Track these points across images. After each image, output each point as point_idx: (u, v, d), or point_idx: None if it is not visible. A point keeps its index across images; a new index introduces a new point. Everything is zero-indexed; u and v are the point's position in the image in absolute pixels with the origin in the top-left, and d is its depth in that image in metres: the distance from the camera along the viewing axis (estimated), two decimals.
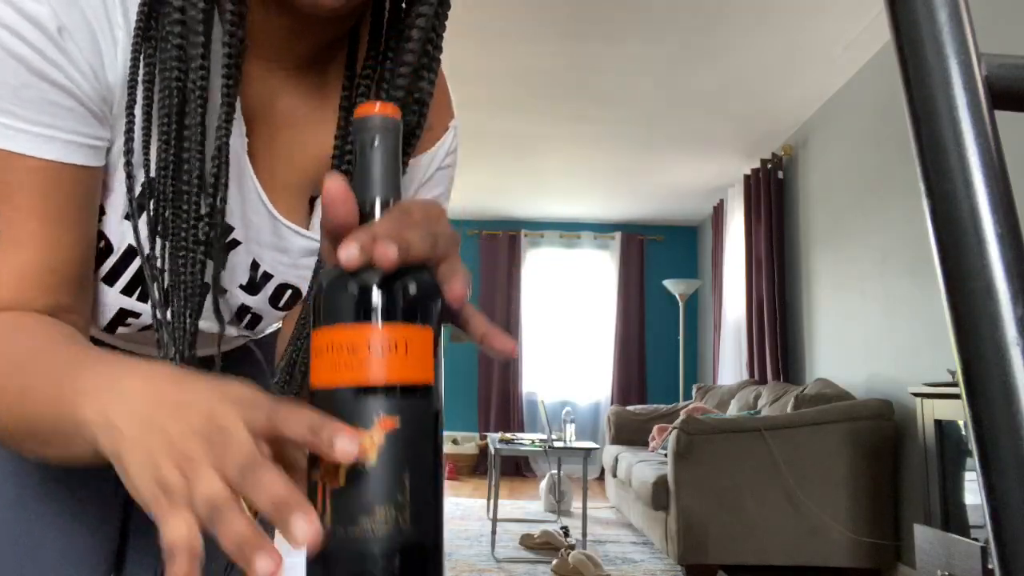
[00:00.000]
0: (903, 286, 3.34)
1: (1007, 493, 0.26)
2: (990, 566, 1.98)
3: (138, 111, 0.57)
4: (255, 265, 0.70)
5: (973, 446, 0.27)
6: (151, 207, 0.59)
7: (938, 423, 2.64)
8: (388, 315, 0.39)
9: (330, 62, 0.68)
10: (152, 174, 0.58)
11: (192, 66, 0.56)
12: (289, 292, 0.73)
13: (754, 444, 3.31)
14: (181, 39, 0.56)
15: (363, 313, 0.39)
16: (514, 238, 7.40)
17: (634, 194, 6.49)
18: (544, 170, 5.90)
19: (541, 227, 7.48)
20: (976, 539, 2.22)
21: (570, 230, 7.47)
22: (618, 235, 7.38)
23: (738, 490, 3.29)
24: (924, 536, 2.41)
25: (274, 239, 0.69)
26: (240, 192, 0.65)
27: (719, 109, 4.57)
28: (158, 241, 0.60)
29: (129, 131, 0.57)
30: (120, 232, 0.63)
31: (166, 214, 0.59)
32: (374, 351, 0.38)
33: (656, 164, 5.65)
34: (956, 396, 2.52)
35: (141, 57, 0.56)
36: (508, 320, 7.25)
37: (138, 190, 0.60)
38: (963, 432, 2.55)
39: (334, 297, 0.39)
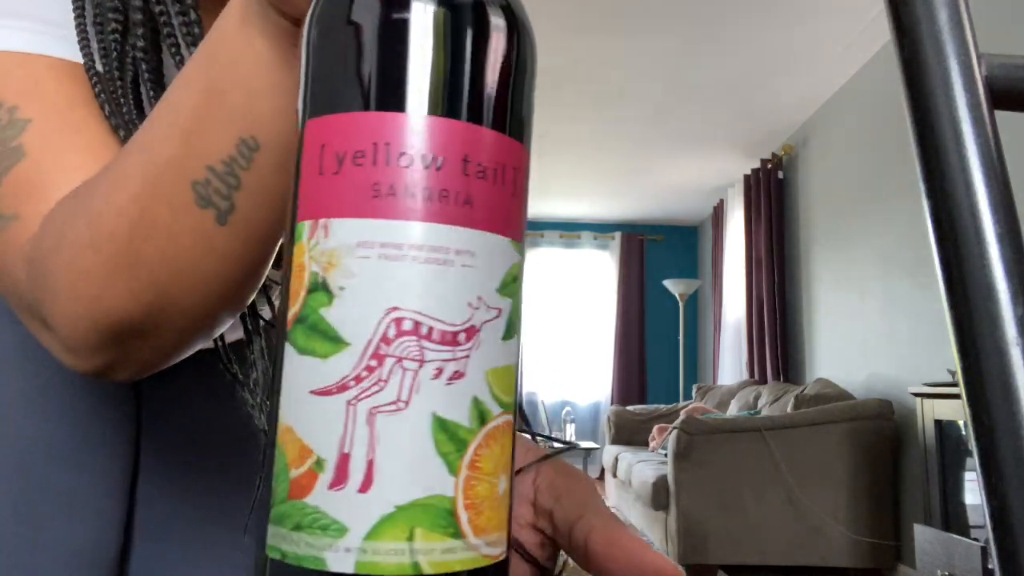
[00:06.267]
0: (903, 286, 3.34)
1: (1007, 493, 0.26)
2: (990, 566, 1.98)
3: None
4: None
5: (973, 446, 0.27)
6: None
7: (938, 423, 2.64)
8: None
9: None
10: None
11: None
12: None
13: (754, 444, 3.31)
14: None
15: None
16: None
17: (634, 194, 6.49)
18: (544, 170, 5.90)
19: (541, 227, 7.48)
20: (976, 539, 2.22)
21: (570, 230, 7.47)
22: (618, 235, 7.38)
23: (738, 490, 3.29)
24: (924, 536, 2.41)
25: None
26: None
27: (719, 109, 4.57)
28: None
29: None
30: None
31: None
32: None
33: (656, 164, 5.65)
34: (956, 396, 2.52)
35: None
36: None
37: None
38: (963, 432, 2.55)
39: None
